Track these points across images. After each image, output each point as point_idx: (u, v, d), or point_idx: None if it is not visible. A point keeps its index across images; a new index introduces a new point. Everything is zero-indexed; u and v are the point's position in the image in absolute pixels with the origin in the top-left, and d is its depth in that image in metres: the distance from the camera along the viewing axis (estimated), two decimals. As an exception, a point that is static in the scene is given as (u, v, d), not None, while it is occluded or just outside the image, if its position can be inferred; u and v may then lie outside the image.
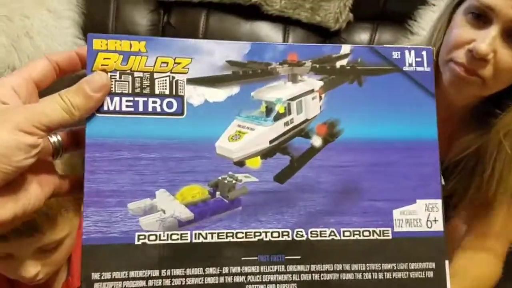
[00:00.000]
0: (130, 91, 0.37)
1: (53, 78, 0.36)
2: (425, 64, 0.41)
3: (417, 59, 0.41)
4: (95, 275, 0.35)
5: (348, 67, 0.40)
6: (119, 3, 1.79)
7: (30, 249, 0.69)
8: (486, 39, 0.70)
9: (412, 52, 0.41)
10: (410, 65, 0.41)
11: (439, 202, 0.40)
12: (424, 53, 0.41)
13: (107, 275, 0.35)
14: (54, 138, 0.38)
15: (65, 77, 0.38)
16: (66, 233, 0.72)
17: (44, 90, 0.37)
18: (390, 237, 0.39)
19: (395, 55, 0.41)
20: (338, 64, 0.40)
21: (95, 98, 0.35)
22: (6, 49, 1.61)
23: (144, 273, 0.36)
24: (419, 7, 0.82)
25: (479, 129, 0.79)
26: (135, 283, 0.35)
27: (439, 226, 0.40)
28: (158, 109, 0.37)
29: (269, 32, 1.75)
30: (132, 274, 0.35)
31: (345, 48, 0.40)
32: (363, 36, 1.74)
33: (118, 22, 1.78)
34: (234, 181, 0.38)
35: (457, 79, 0.74)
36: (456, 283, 0.69)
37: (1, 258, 0.70)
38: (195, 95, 0.38)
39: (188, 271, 0.36)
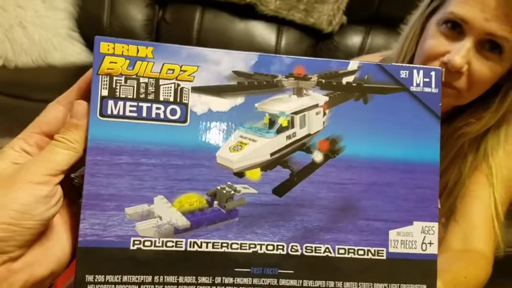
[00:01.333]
0: (134, 96, 0.37)
1: (65, 121, 0.37)
2: (433, 85, 0.40)
3: (425, 80, 0.40)
4: (89, 277, 0.36)
5: (355, 84, 0.39)
6: None
7: None
8: (460, 52, 0.71)
9: (421, 72, 0.40)
10: (418, 85, 0.40)
11: (435, 225, 0.40)
12: (433, 73, 0.40)
13: (100, 278, 0.36)
14: (76, 180, 0.38)
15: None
16: None
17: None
18: (384, 258, 0.39)
19: (403, 74, 0.40)
20: (345, 80, 0.39)
21: (85, 125, 0.36)
22: (-1, 39, 1.60)
23: (137, 278, 0.36)
24: (411, 12, 0.82)
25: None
26: (127, 287, 0.36)
27: (433, 249, 0.40)
28: (162, 116, 0.38)
29: (263, 31, 1.78)
30: (125, 278, 0.36)
31: (353, 65, 0.40)
32: (355, 39, 1.78)
33: (113, 16, 1.80)
34: (232, 192, 0.38)
35: None
36: (443, 282, 0.69)
37: None
38: (199, 104, 0.38)
39: (181, 279, 0.37)
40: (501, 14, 0.69)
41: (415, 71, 0.40)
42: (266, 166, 0.39)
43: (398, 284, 0.39)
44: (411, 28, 0.83)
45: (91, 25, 1.79)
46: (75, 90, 0.37)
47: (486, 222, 0.80)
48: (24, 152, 0.35)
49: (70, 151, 0.35)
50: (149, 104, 0.37)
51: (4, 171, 0.34)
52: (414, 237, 0.39)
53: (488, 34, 0.71)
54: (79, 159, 0.36)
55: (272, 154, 0.39)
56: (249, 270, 0.38)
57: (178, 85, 0.38)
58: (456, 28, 0.73)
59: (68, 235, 0.36)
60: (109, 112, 0.37)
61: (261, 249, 0.38)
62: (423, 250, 0.40)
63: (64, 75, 1.66)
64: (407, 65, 0.40)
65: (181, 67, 0.38)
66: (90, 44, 1.75)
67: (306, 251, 0.38)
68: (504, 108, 0.78)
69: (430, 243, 0.40)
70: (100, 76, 0.37)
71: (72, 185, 0.38)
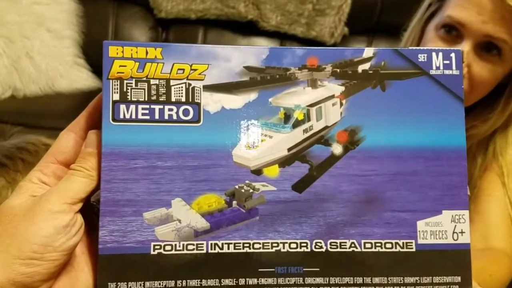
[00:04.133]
0: (146, 99, 0.36)
1: (80, 148, 0.37)
2: (454, 67, 0.39)
3: (445, 62, 0.39)
4: (112, 285, 0.34)
5: (371, 71, 0.38)
6: (118, 21, 1.84)
7: None
8: None
9: (440, 54, 0.39)
10: (438, 68, 0.39)
11: (466, 213, 0.38)
12: (453, 55, 0.39)
13: (123, 285, 0.35)
14: (96, 207, 0.38)
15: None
16: None
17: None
18: (413, 250, 0.37)
19: (421, 57, 0.39)
20: (360, 68, 0.38)
21: (99, 152, 0.36)
22: (7, 70, 1.63)
23: (159, 284, 0.35)
24: (412, 19, 0.84)
25: None
26: None
27: (465, 238, 0.38)
28: (174, 117, 0.37)
29: None
30: (147, 284, 0.35)
31: (368, 51, 0.39)
32: None
33: (117, 40, 1.81)
34: (251, 190, 0.37)
35: None
36: None
37: None
38: (212, 102, 0.37)
39: (204, 282, 0.36)
40: (497, 16, 0.69)
41: (434, 53, 0.39)
42: (284, 162, 0.38)
43: (431, 277, 0.37)
44: (410, 33, 0.84)
45: (96, 50, 1.80)
46: (85, 116, 0.37)
47: (503, 220, 0.78)
48: (42, 183, 0.35)
49: (87, 178, 0.35)
50: (161, 106, 0.37)
51: (23, 205, 0.33)
52: (444, 227, 0.38)
53: (486, 37, 0.71)
54: (96, 186, 0.36)
55: (289, 150, 0.38)
56: (273, 270, 0.36)
57: (190, 84, 0.37)
58: (454, 31, 0.74)
59: (92, 262, 0.36)
60: (121, 116, 0.36)
61: (284, 248, 0.37)
62: (455, 240, 0.38)
63: (72, 102, 1.68)
64: (425, 48, 0.39)
65: (191, 66, 0.37)
66: (96, 70, 1.77)
67: (331, 247, 0.37)
68: (509, 109, 0.77)
69: (462, 232, 0.38)
70: (111, 81, 0.36)
71: (93, 213, 0.37)
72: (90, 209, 0.37)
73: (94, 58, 1.81)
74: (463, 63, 0.71)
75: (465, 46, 0.72)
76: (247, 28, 1.77)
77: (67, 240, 0.33)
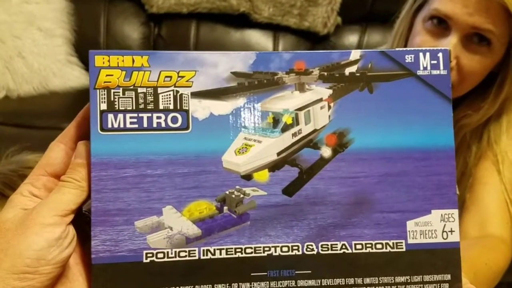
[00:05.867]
0: (134, 108, 0.37)
1: (70, 159, 0.37)
2: (441, 67, 0.39)
3: (433, 62, 0.39)
4: None
5: (358, 74, 0.38)
6: (109, 18, 1.82)
7: None
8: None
9: (427, 54, 0.39)
10: (425, 68, 0.39)
11: (455, 212, 0.38)
12: (440, 55, 0.39)
13: None
14: (88, 217, 0.38)
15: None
16: None
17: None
18: (403, 250, 0.38)
19: (408, 58, 0.39)
20: (347, 71, 0.39)
21: (89, 163, 0.36)
22: (-1, 71, 1.62)
23: None
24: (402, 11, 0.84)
25: None
26: None
27: (455, 237, 0.38)
28: (163, 125, 0.37)
29: (259, 39, 1.80)
30: None
31: (355, 54, 0.39)
32: (352, 38, 1.79)
33: (109, 37, 1.81)
34: (241, 195, 0.37)
35: None
36: (462, 271, 0.67)
37: None
38: (200, 109, 0.37)
39: None
40: (483, 8, 0.70)
41: (421, 54, 0.39)
42: (274, 167, 0.38)
43: (421, 276, 0.38)
44: (399, 25, 0.84)
45: (88, 48, 1.78)
46: (74, 127, 0.37)
47: (499, 206, 0.79)
48: (33, 196, 0.35)
49: (78, 190, 0.35)
50: (149, 114, 0.37)
51: (15, 218, 0.33)
52: (434, 226, 0.38)
53: (473, 28, 0.71)
54: (87, 197, 0.36)
55: (279, 154, 0.38)
56: (265, 273, 0.37)
57: (177, 91, 0.37)
58: (441, 24, 0.74)
59: (86, 273, 0.36)
60: (109, 125, 0.36)
61: (275, 251, 0.37)
62: (444, 239, 0.38)
63: (66, 100, 1.67)
64: (412, 48, 0.39)
65: (178, 73, 0.37)
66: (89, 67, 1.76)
67: (322, 250, 0.37)
68: (502, 97, 0.78)
69: (451, 231, 0.38)
70: (98, 90, 0.36)
71: (85, 223, 0.37)
72: (82, 220, 0.37)
73: (86, 56, 1.78)
74: (452, 55, 0.72)
75: (453, 39, 0.72)
76: (239, 21, 1.76)
77: (60, 252, 0.33)
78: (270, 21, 1.74)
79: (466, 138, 0.82)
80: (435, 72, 0.39)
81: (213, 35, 1.80)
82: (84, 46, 1.80)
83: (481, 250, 0.74)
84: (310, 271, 0.37)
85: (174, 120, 0.37)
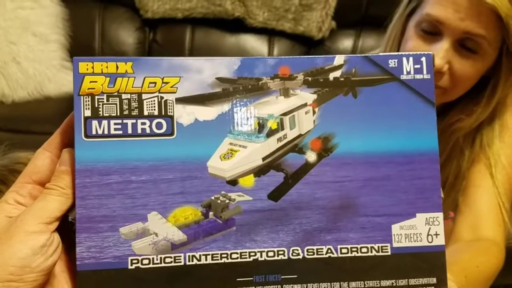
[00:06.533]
0: (118, 114, 0.37)
1: (54, 167, 0.37)
2: (425, 71, 0.39)
3: (416, 66, 0.39)
4: None
5: (342, 79, 0.39)
6: (104, 23, 1.82)
7: None
8: (439, 53, 0.72)
9: (411, 59, 0.39)
10: (408, 73, 0.39)
11: (440, 215, 0.39)
12: (423, 59, 0.39)
13: None
14: (72, 219, 0.38)
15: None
16: None
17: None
18: (389, 253, 0.38)
19: (392, 63, 0.39)
20: (332, 76, 0.39)
21: (72, 169, 0.36)
22: (-6, 76, 1.62)
23: None
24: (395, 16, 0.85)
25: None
26: None
27: (440, 240, 0.38)
28: (148, 131, 0.37)
29: (254, 44, 1.81)
30: None
31: (339, 59, 0.39)
32: (346, 42, 1.80)
33: (104, 42, 1.81)
34: (227, 201, 0.37)
35: None
36: (453, 274, 0.67)
37: None
38: (185, 115, 0.37)
39: None
40: (474, 13, 0.70)
41: (404, 59, 0.39)
42: (259, 172, 0.38)
43: (406, 279, 0.38)
44: (392, 29, 0.84)
45: (83, 53, 1.80)
46: (59, 134, 0.37)
47: (492, 209, 0.79)
48: (18, 204, 0.35)
49: (62, 197, 0.35)
50: (133, 120, 0.37)
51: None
52: (419, 230, 0.38)
53: (465, 33, 0.72)
54: (72, 204, 0.36)
55: (264, 159, 0.39)
56: (251, 278, 0.37)
57: (162, 97, 0.37)
58: (433, 29, 0.74)
59: (71, 281, 0.36)
60: (93, 132, 0.36)
61: (261, 257, 0.37)
62: (429, 242, 0.38)
63: (61, 106, 1.67)
64: (396, 53, 0.39)
65: (162, 79, 0.37)
66: (84, 72, 1.76)
67: (307, 254, 0.37)
68: (494, 101, 0.78)
69: (436, 234, 0.38)
70: (82, 97, 0.36)
71: (71, 231, 0.37)
72: (68, 228, 0.37)
73: (81, 61, 1.80)
74: (444, 60, 0.72)
75: (445, 44, 0.72)
76: (234, 26, 1.77)
77: (44, 260, 0.33)
78: (265, 26, 1.75)
79: (459, 142, 0.82)
80: (418, 76, 0.39)
81: (208, 40, 1.80)
82: (79, 52, 1.80)
83: (472, 253, 0.74)
84: (296, 276, 0.37)
85: (159, 126, 0.37)
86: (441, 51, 0.72)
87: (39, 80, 1.71)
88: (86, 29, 1.82)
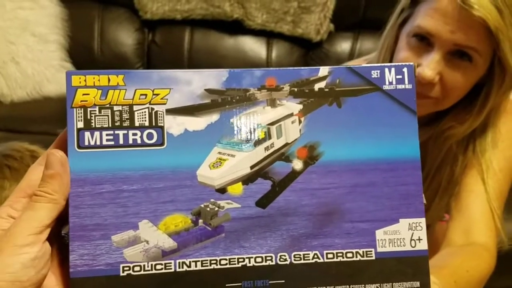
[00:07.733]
0: (110, 125, 0.38)
1: None
2: (406, 81, 0.40)
3: (398, 77, 0.40)
4: None
5: (327, 89, 0.40)
6: (103, 23, 1.83)
7: None
8: (430, 64, 0.73)
9: (393, 69, 0.40)
10: (390, 83, 0.40)
11: (422, 221, 0.40)
12: (405, 69, 0.41)
13: None
14: (66, 238, 0.38)
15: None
16: None
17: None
18: (373, 258, 0.39)
19: (375, 74, 0.40)
20: (317, 86, 0.40)
21: (61, 173, 0.36)
22: (-7, 76, 1.62)
23: None
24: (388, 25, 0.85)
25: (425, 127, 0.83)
26: None
27: (423, 245, 0.40)
28: (139, 141, 0.38)
29: (253, 46, 1.81)
30: None
31: (323, 70, 0.40)
32: (344, 45, 1.81)
33: (103, 43, 1.82)
34: (216, 208, 0.39)
35: None
36: (443, 278, 0.68)
37: None
38: (175, 125, 0.39)
39: None
40: (465, 26, 0.70)
41: (386, 69, 0.40)
42: (247, 180, 0.40)
43: (390, 283, 0.39)
44: (385, 38, 0.85)
45: (82, 54, 1.81)
46: (54, 148, 0.37)
47: (484, 214, 0.80)
48: (11, 218, 0.35)
49: (51, 203, 0.35)
50: (125, 131, 0.38)
51: None
52: (402, 235, 0.40)
53: (455, 45, 0.72)
54: (63, 210, 0.36)
55: (252, 167, 0.40)
56: (240, 284, 0.38)
57: (152, 109, 0.38)
58: (424, 40, 0.75)
59: None
60: (86, 143, 0.37)
61: (250, 262, 0.38)
62: (413, 247, 0.40)
63: (60, 106, 1.66)
64: (378, 64, 0.41)
65: (153, 91, 0.38)
66: (83, 73, 1.77)
67: (295, 259, 0.39)
68: (486, 110, 0.79)
69: (419, 239, 0.40)
70: (74, 109, 0.37)
71: (63, 246, 0.37)
72: (61, 242, 0.38)
73: (80, 62, 1.80)
74: (435, 71, 0.72)
75: (436, 55, 0.73)
76: (233, 27, 1.78)
77: (36, 273, 0.33)
78: (263, 28, 1.76)
79: (453, 148, 0.83)
80: (400, 86, 0.40)
81: (207, 42, 1.81)
82: (78, 52, 1.81)
83: (463, 257, 0.75)
84: (283, 281, 0.38)
85: (150, 136, 0.38)
86: (432, 62, 0.73)
87: (38, 80, 1.72)
88: (85, 30, 1.82)
